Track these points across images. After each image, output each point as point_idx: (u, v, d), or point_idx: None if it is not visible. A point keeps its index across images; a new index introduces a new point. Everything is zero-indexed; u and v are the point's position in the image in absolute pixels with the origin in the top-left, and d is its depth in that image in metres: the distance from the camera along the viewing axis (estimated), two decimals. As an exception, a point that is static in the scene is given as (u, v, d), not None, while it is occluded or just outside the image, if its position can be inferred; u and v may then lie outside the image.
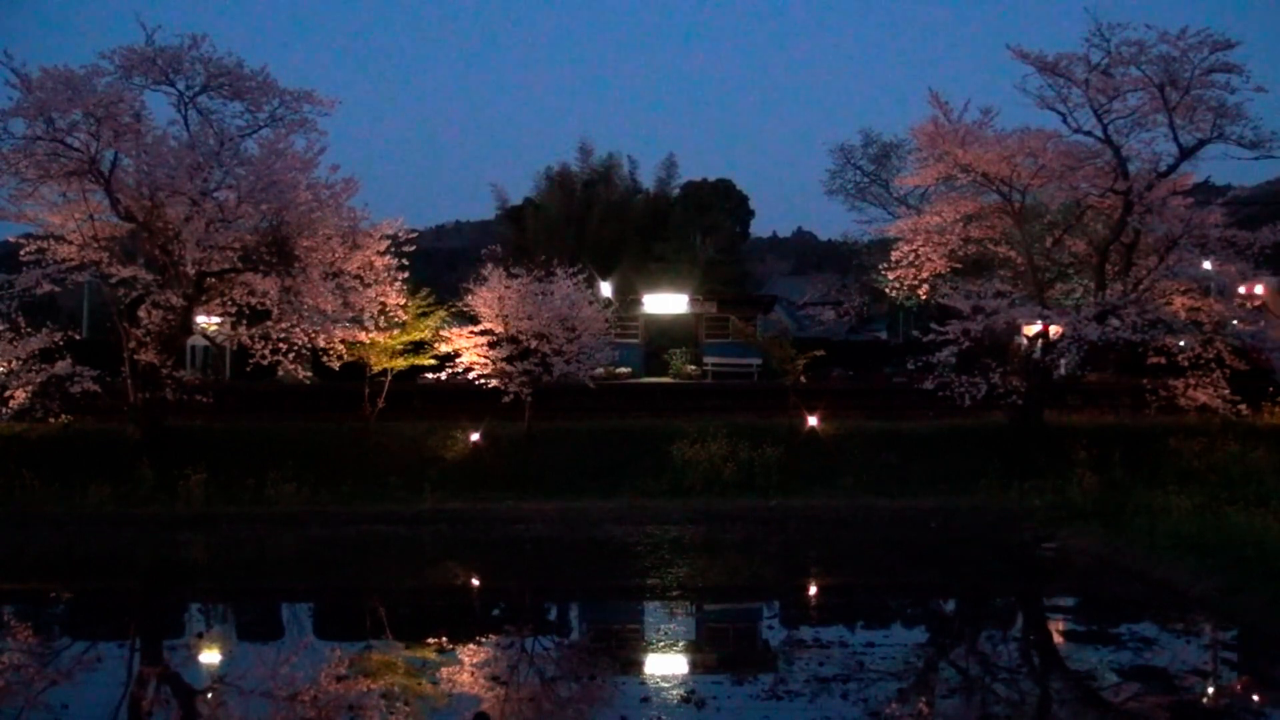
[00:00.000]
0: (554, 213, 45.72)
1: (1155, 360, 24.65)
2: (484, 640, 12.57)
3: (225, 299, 24.52)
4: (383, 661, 11.34)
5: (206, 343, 30.75)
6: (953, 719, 9.29)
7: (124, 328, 23.69)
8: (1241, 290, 25.32)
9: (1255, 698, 10.19)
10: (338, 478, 22.96)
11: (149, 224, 23.32)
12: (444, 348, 26.33)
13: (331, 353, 24.91)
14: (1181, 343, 24.54)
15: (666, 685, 10.45)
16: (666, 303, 38.20)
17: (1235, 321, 24.60)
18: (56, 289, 23.54)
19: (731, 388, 31.81)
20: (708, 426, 24.60)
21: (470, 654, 11.90)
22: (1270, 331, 24.40)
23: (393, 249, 24.57)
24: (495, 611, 14.94)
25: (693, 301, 38.21)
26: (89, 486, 22.05)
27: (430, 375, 28.33)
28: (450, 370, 26.37)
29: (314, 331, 23.84)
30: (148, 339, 23.56)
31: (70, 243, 23.29)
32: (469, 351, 25.98)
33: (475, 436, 24.97)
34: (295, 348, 24.34)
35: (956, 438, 24.68)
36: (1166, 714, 9.45)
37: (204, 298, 24.28)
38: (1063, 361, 25.59)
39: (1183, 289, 24.27)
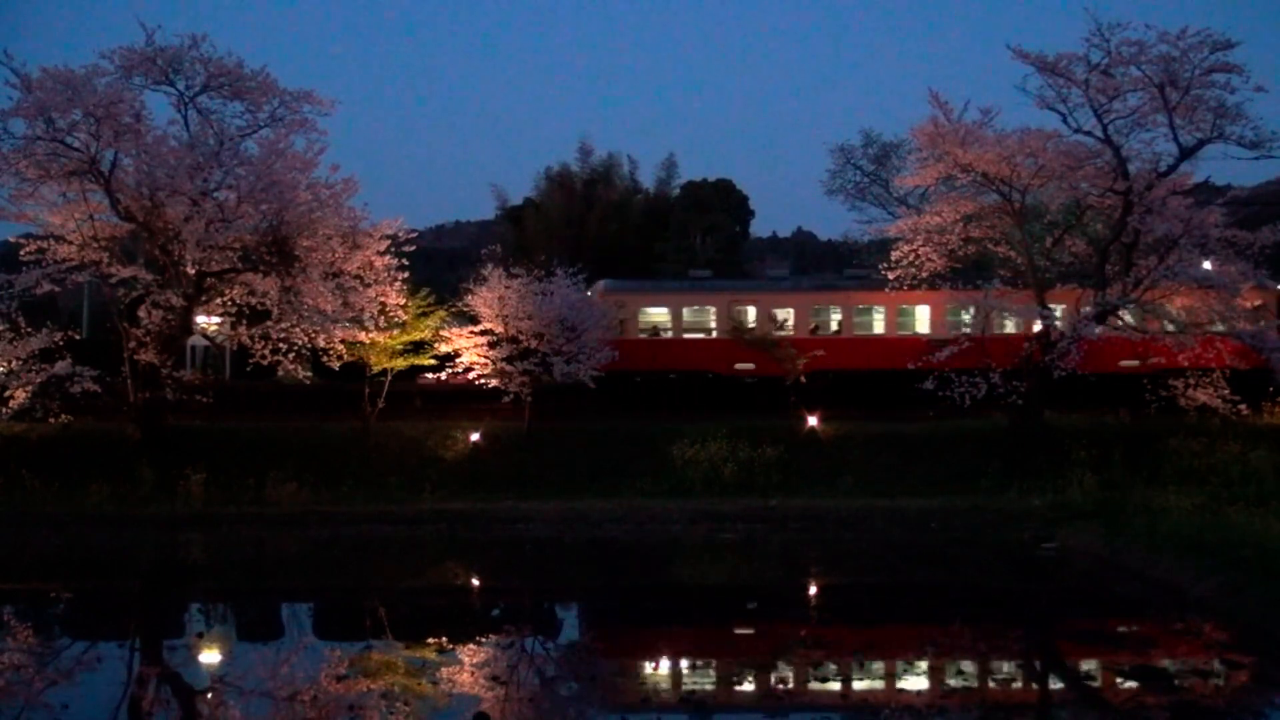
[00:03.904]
0: (554, 213, 45.65)
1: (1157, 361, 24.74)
2: (484, 640, 12.56)
3: (225, 299, 24.55)
4: (383, 661, 11.33)
5: (206, 343, 30.78)
6: (953, 718, 9.27)
7: (124, 328, 23.70)
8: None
9: (1255, 698, 10.18)
10: (338, 478, 22.96)
11: (149, 224, 23.33)
12: (444, 348, 26.36)
13: (331, 353, 24.92)
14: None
15: (666, 685, 10.44)
16: (666, 303, 38.11)
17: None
18: (56, 289, 23.59)
19: (731, 388, 31.78)
20: (707, 426, 24.61)
21: (470, 654, 11.90)
22: (1270, 332, 24.41)
23: (393, 249, 24.59)
24: (495, 611, 14.92)
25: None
26: (89, 486, 22.07)
27: (430, 375, 28.34)
28: (450, 370, 26.40)
29: (314, 331, 23.86)
30: (148, 339, 23.58)
31: (70, 243, 23.31)
32: (469, 351, 26.01)
33: (475, 436, 24.98)
34: (295, 348, 24.36)
35: (956, 438, 24.68)
36: (1166, 714, 9.44)
37: (204, 298, 24.30)
38: None
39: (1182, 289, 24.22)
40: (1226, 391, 24.48)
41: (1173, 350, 24.56)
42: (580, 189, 47.24)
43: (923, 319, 29.17)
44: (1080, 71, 22.95)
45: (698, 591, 16.21)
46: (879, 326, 29.42)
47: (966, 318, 27.76)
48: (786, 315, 29.46)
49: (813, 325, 29.61)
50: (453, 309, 27.78)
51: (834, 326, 29.62)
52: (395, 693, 9.92)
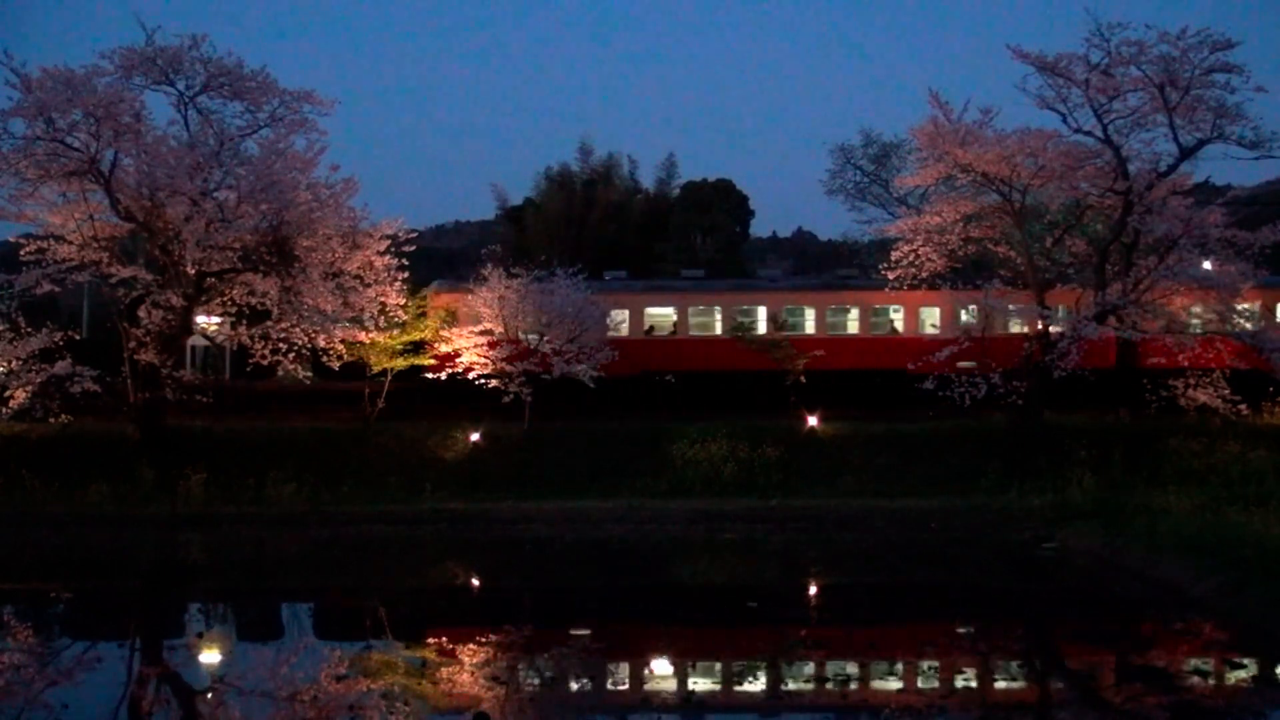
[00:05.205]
0: (554, 213, 45.60)
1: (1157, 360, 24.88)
2: (484, 640, 12.56)
3: (225, 299, 24.57)
4: (383, 661, 11.33)
5: (206, 343, 30.79)
6: (953, 718, 9.27)
7: (124, 328, 23.71)
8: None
9: (1255, 698, 10.18)
10: (338, 478, 22.96)
11: (149, 224, 23.34)
12: (444, 348, 26.37)
13: (331, 353, 24.92)
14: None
15: (666, 685, 10.44)
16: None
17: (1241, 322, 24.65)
18: (56, 289, 23.59)
19: (731, 388, 31.80)
20: (707, 426, 24.60)
21: (470, 654, 11.89)
22: (1270, 331, 24.42)
23: (393, 249, 24.60)
24: (495, 611, 14.91)
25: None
26: (89, 486, 22.07)
27: (430, 375, 28.38)
28: (450, 370, 26.40)
29: (314, 331, 23.87)
30: (148, 339, 23.58)
31: (70, 243, 23.32)
32: (469, 351, 26.03)
33: (475, 436, 24.98)
34: (295, 348, 24.37)
35: (956, 438, 24.66)
36: (1166, 714, 9.44)
37: (204, 298, 24.31)
38: None
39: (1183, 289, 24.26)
40: (1227, 391, 24.48)
41: (1173, 350, 24.56)
42: (580, 189, 47.19)
43: (761, 319, 29.68)
44: (1080, 71, 22.97)
45: (698, 591, 16.21)
46: (718, 328, 29.78)
47: (805, 319, 29.04)
48: (622, 316, 29.68)
49: (647, 326, 29.88)
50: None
51: (670, 329, 29.96)
52: (395, 693, 9.92)
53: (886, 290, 26.98)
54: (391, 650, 12.03)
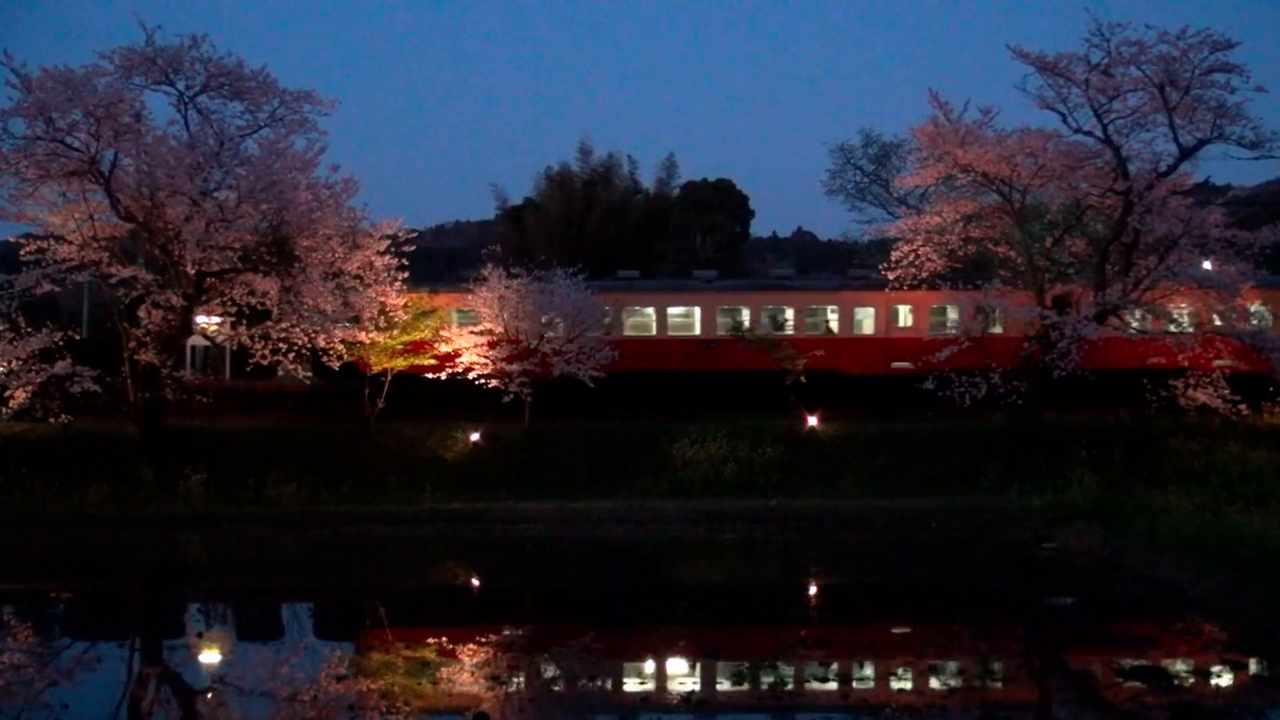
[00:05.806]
0: (554, 213, 45.55)
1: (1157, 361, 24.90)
2: (484, 640, 12.56)
3: (225, 299, 24.57)
4: (383, 661, 11.33)
5: (206, 343, 30.78)
6: (953, 718, 9.27)
7: (124, 328, 23.71)
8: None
9: (1255, 698, 10.18)
10: (338, 478, 22.96)
11: (149, 224, 23.35)
12: (444, 347, 26.37)
13: (331, 353, 24.92)
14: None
15: (666, 685, 10.44)
16: (666, 303, 38.11)
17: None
18: (56, 289, 23.59)
19: (731, 388, 31.76)
20: (707, 426, 24.60)
21: (470, 654, 11.90)
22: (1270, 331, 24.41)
23: (393, 249, 24.61)
24: (495, 611, 14.92)
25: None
26: (89, 486, 22.07)
27: (430, 375, 28.38)
28: (450, 370, 26.40)
29: (314, 331, 23.86)
30: (148, 339, 23.58)
31: (70, 243, 23.33)
32: (469, 351, 26.03)
33: (475, 436, 24.98)
34: (295, 348, 24.37)
35: (956, 438, 24.67)
36: (1166, 714, 9.44)
37: (204, 298, 24.31)
38: None
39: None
40: (1227, 391, 24.47)
41: (1172, 350, 24.54)
42: (580, 189, 47.15)
43: (696, 319, 29.72)
44: (1080, 71, 22.96)
45: (698, 591, 16.21)
46: (653, 328, 29.76)
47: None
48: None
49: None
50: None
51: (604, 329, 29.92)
52: (395, 693, 9.92)
53: (822, 291, 27.81)
54: (391, 650, 12.03)
